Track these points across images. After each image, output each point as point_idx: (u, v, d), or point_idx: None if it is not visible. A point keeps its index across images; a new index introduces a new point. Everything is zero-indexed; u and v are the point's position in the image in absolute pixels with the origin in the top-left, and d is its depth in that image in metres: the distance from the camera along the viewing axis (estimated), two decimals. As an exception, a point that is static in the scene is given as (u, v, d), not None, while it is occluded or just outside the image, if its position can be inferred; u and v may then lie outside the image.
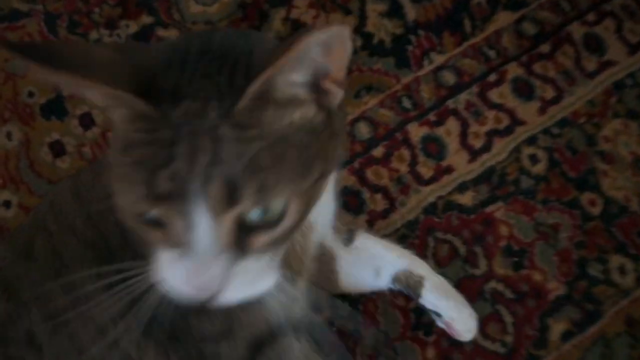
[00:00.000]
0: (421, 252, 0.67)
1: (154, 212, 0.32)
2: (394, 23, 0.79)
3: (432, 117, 0.74)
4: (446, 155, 0.72)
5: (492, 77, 0.76)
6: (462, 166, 0.72)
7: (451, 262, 0.67)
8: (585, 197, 0.70)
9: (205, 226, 0.31)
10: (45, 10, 0.79)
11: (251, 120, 0.33)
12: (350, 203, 0.70)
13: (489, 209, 0.69)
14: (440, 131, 0.73)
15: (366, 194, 0.70)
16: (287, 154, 0.33)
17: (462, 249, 0.68)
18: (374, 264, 0.60)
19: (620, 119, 0.74)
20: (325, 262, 0.57)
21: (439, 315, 0.60)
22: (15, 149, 0.72)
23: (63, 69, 0.31)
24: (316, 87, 0.35)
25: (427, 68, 0.77)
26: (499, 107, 0.75)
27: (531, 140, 0.73)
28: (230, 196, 0.31)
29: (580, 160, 0.72)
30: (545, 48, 0.78)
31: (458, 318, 0.60)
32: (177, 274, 0.33)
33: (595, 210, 0.70)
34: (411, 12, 0.80)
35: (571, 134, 0.73)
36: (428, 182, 0.71)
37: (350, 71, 0.76)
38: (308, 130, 0.35)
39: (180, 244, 0.32)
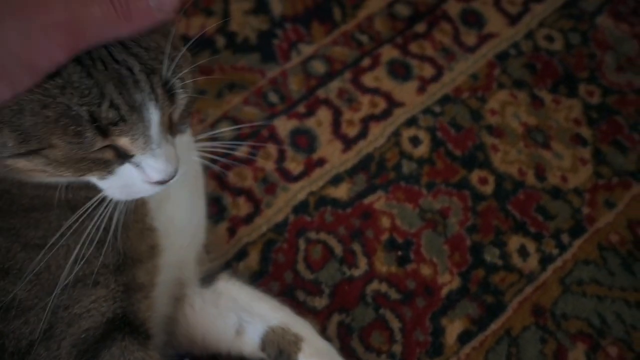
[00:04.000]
0: (291, 256, 0.58)
1: (106, 142, 0.34)
2: (259, 19, 0.74)
3: (301, 109, 0.67)
4: (317, 148, 0.64)
5: (366, 62, 0.70)
6: (336, 157, 0.64)
7: (326, 265, 0.57)
8: (475, 176, 0.62)
9: (155, 124, 0.35)
10: None
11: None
12: (210, 211, 0.60)
13: (368, 200, 0.61)
14: (310, 123, 0.66)
15: (228, 199, 0.61)
16: (179, 45, 0.38)
17: (338, 249, 0.58)
18: (238, 315, 0.47)
19: (507, 89, 0.68)
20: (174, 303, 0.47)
21: None
22: None
23: None
24: None
25: (296, 60, 0.71)
26: (374, 91, 0.68)
27: (411, 122, 0.66)
28: (170, 94, 0.35)
29: (466, 136, 0.65)
30: (420, 28, 0.73)
31: None
32: (151, 168, 0.36)
33: (488, 189, 0.62)
34: (277, 7, 0.75)
35: (454, 110, 0.66)
36: (297, 178, 0.62)
37: (211, 71, 0.70)
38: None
39: (140, 150, 0.35)
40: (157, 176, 0.36)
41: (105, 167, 0.35)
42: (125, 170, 0.36)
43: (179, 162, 0.37)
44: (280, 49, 0.72)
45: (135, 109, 0.34)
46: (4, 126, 0.33)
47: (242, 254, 0.58)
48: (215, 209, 0.61)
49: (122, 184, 0.37)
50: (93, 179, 0.36)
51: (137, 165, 0.36)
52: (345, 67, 0.70)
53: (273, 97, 0.68)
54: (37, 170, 0.35)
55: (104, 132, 0.33)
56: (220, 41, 0.72)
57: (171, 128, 0.37)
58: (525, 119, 0.66)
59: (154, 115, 0.34)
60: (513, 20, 0.73)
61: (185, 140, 0.42)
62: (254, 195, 0.61)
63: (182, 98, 0.36)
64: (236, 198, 0.61)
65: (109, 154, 0.35)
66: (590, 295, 0.56)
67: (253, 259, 0.58)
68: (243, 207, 0.61)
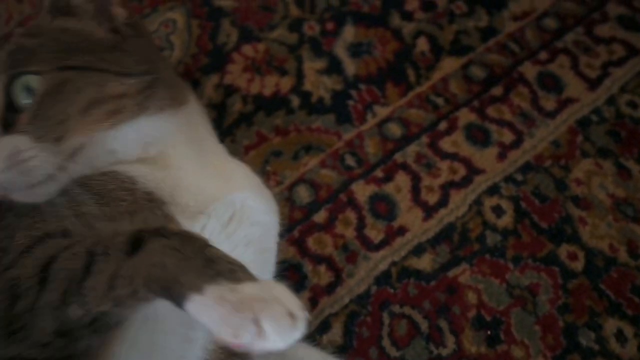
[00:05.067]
0: (375, 331, 0.56)
1: None
2: (333, 79, 0.74)
3: (379, 173, 0.66)
4: (397, 215, 0.63)
5: (443, 126, 0.70)
6: (417, 225, 0.63)
7: (412, 342, 0.56)
8: (564, 251, 0.60)
9: None
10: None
11: None
12: (290, 278, 0.60)
13: (452, 272, 0.59)
14: (389, 188, 0.65)
15: (308, 267, 0.60)
16: None
17: (424, 325, 0.57)
18: None
19: (591, 158, 0.66)
20: None
21: None
22: None
23: None
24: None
25: (371, 122, 0.70)
26: (452, 156, 0.67)
27: (493, 190, 0.64)
28: None
29: (551, 208, 0.63)
30: (497, 91, 0.72)
31: None
32: None
33: (578, 265, 0.59)
34: (350, 67, 0.75)
35: (537, 179, 0.65)
36: (378, 247, 0.61)
37: (287, 132, 0.70)
38: None
39: None
40: None
41: None
42: None
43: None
44: (355, 110, 0.72)
45: None
46: None
47: (325, 326, 0.57)
48: (296, 277, 0.60)
49: None
50: None
51: None
52: (422, 130, 0.69)
53: (350, 160, 0.67)
54: None
55: None
56: (295, 101, 0.73)
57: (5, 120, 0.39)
58: (612, 190, 0.64)
59: None
60: (593, 84, 0.72)
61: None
62: (335, 263, 0.61)
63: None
64: (317, 266, 0.60)
65: None
66: (696, 387, 0.53)
67: (336, 332, 0.56)
68: (324, 275, 0.60)
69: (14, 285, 0.35)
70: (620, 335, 0.55)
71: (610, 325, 0.56)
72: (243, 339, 0.28)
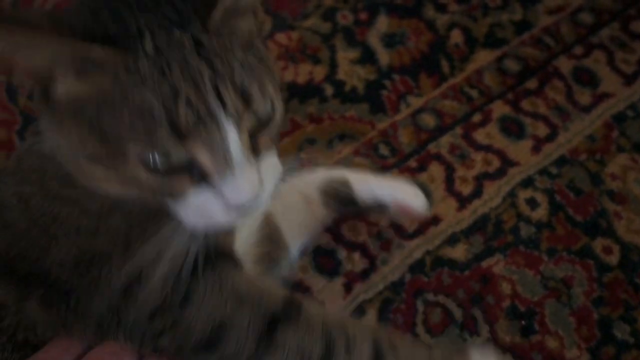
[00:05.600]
0: (410, 318, 0.57)
1: (182, 153, 0.32)
2: (366, 69, 0.75)
3: (412, 163, 0.67)
4: (432, 204, 0.64)
5: (477, 117, 0.70)
6: (451, 215, 0.63)
7: (446, 330, 0.56)
8: (599, 244, 0.60)
9: (234, 139, 0.32)
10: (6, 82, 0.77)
11: (225, 30, 0.33)
12: (324, 265, 0.60)
13: (486, 263, 0.60)
14: (423, 178, 0.66)
15: (342, 253, 0.61)
16: (261, 54, 0.35)
17: (458, 313, 0.57)
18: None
19: (627, 153, 0.66)
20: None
21: (385, 205, 0.54)
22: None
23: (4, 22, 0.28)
24: None
25: (405, 112, 0.71)
26: (486, 148, 0.67)
27: (527, 182, 0.65)
28: (245, 100, 0.33)
29: (586, 201, 0.63)
30: (532, 84, 0.72)
31: (405, 194, 0.55)
32: (228, 191, 0.33)
33: (613, 259, 0.59)
34: (384, 57, 0.76)
35: (572, 173, 0.65)
36: (413, 236, 0.62)
37: (321, 120, 0.70)
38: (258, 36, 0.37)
39: (218, 170, 0.33)
40: (237, 198, 0.33)
41: (180, 190, 0.34)
42: (201, 195, 0.34)
43: (264, 190, 0.35)
44: (389, 100, 0.72)
45: (211, 115, 0.31)
46: (84, 124, 0.33)
47: (359, 312, 0.57)
48: (331, 263, 0.60)
49: (196, 208, 0.34)
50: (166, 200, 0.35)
51: (215, 187, 0.33)
52: (456, 121, 0.70)
53: (384, 150, 0.68)
54: (110, 182, 0.34)
55: (181, 136, 0.31)
56: (329, 90, 0.73)
57: (255, 150, 0.35)
58: (648, 185, 0.64)
59: (232, 128, 0.32)
60: (629, 80, 0.72)
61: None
62: (369, 250, 0.61)
63: (263, 109, 0.34)
64: (351, 253, 0.61)
65: (184, 179, 0.33)
66: None
67: (371, 318, 0.57)
68: (358, 262, 0.60)
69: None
70: (655, 329, 0.55)
71: (646, 319, 0.56)
72: None
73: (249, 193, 0.33)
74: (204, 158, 0.32)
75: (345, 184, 0.55)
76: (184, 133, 0.31)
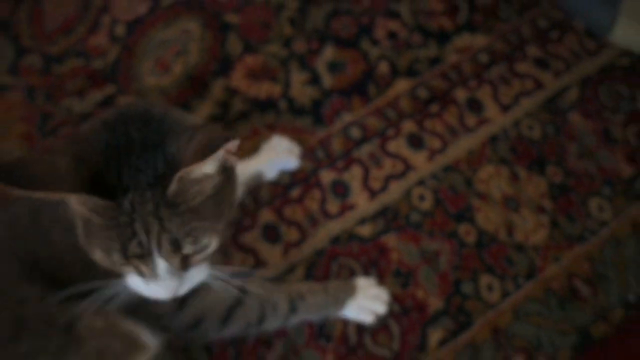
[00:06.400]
0: (326, 275, 0.82)
1: (127, 266, 0.51)
2: (313, 89, 0.97)
3: (340, 164, 0.91)
4: (350, 196, 0.88)
5: (391, 132, 0.94)
6: (364, 204, 0.87)
7: (350, 283, 0.81)
8: (463, 229, 0.86)
9: (162, 266, 0.50)
10: (27, 84, 0.97)
11: (178, 199, 0.49)
12: (269, 235, 0.84)
13: (383, 239, 0.85)
14: (346, 176, 0.90)
15: (283, 228, 0.85)
16: (206, 211, 0.50)
17: (360, 272, 0.82)
18: None
19: (493, 165, 0.91)
20: None
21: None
22: None
23: (30, 188, 0.44)
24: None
25: (338, 125, 0.94)
26: (395, 156, 0.92)
27: (420, 183, 0.89)
28: (175, 249, 0.50)
29: (459, 198, 0.88)
30: (434, 108, 0.96)
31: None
32: (150, 289, 0.53)
33: (470, 240, 0.85)
34: (328, 81, 0.98)
35: (453, 177, 0.90)
36: (334, 218, 0.86)
37: (275, 128, 0.93)
38: (216, 190, 0.51)
39: (148, 277, 0.52)
40: (153, 294, 0.53)
41: (125, 273, 0.53)
42: (136, 280, 0.52)
43: (180, 289, 0.53)
44: (327, 115, 0.95)
45: (150, 253, 0.49)
46: (80, 223, 0.50)
47: (291, 270, 0.82)
48: (274, 234, 0.84)
49: (134, 284, 0.53)
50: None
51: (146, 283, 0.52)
52: (375, 134, 0.93)
53: (320, 154, 0.91)
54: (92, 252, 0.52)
55: (126, 257, 0.49)
56: (283, 104, 0.96)
57: (184, 266, 0.52)
58: (504, 189, 0.89)
59: (162, 264, 0.50)
60: (505, 109, 0.97)
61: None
62: (303, 227, 0.85)
63: (191, 250, 0.50)
64: (289, 228, 0.85)
65: (127, 268, 0.51)
66: (533, 323, 0.79)
67: (299, 274, 0.82)
68: (294, 235, 0.85)
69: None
70: (490, 287, 0.81)
71: (484, 280, 0.82)
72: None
73: (165, 295, 0.52)
74: (141, 269, 0.51)
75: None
76: (129, 258, 0.49)
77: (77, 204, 0.49)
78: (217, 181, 0.51)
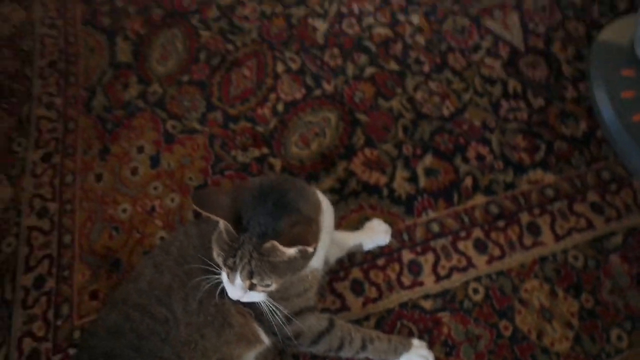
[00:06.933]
0: (391, 329, 1.09)
1: (223, 268, 0.84)
2: (411, 186, 1.27)
3: (418, 249, 1.19)
4: (421, 275, 1.15)
5: (463, 234, 1.21)
6: (430, 284, 1.14)
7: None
8: (503, 324, 1.10)
9: (238, 281, 0.82)
10: (210, 132, 1.35)
11: (265, 252, 0.79)
12: (356, 288, 1.13)
13: (440, 314, 1.11)
14: (421, 259, 1.18)
15: (367, 285, 1.14)
16: (277, 268, 0.81)
17: (416, 335, 1.08)
18: None
19: (538, 280, 1.15)
20: None
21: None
22: (174, 209, 1.24)
23: (205, 209, 0.78)
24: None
25: (424, 218, 1.23)
26: (462, 253, 1.18)
27: (477, 279, 1.15)
28: (248, 277, 0.81)
29: (505, 299, 1.13)
30: (501, 224, 1.22)
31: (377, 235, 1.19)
32: (228, 287, 0.84)
33: (507, 334, 1.09)
34: (423, 182, 1.28)
35: (504, 281, 1.15)
36: (406, 288, 1.14)
37: (375, 209, 1.24)
38: (290, 260, 0.82)
39: (230, 281, 0.83)
40: (228, 291, 0.83)
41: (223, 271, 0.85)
42: (225, 277, 0.83)
43: (243, 298, 0.83)
44: (417, 208, 1.24)
45: (235, 270, 0.80)
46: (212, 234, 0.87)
47: (366, 318, 1.10)
48: (359, 289, 1.13)
49: (223, 279, 0.84)
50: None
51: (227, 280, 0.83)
52: (450, 233, 1.21)
53: (405, 237, 1.20)
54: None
55: (224, 264, 0.81)
56: (385, 192, 1.26)
57: (251, 287, 0.82)
58: (543, 301, 1.12)
59: (238, 279, 0.80)
60: (559, 238, 1.20)
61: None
62: (381, 289, 1.14)
63: (256, 282, 0.81)
64: (371, 287, 1.14)
65: (223, 269, 0.83)
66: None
67: (371, 323, 1.10)
68: (373, 293, 1.13)
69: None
70: None
71: None
72: None
73: (234, 296, 0.83)
74: (228, 275, 0.82)
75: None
76: (225, 266, 0.81)
77: (222, 224, 0.82)
78: (293, 256, 0.81)
